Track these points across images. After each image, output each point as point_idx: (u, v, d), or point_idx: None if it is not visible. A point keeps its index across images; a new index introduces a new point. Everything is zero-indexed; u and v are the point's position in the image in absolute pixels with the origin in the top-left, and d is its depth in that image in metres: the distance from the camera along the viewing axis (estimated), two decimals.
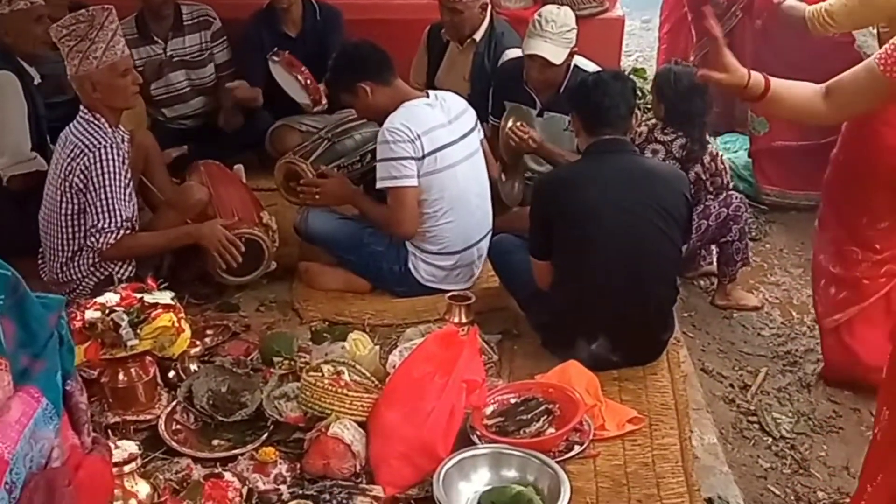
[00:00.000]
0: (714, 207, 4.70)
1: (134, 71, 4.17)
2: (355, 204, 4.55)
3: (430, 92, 4.47)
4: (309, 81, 5.29)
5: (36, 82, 4.83)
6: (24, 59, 4.79)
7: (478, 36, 5.30)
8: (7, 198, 4.60)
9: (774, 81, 2.70)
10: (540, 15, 4.73)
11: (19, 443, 1.42)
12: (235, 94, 5.66)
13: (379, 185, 4.26)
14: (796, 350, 4.61)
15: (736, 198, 4.78)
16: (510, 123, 4.79)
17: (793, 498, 3.70)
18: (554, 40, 4.66)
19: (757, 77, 2.68)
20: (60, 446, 1.53)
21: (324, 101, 5.32)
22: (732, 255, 4.79)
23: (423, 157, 4.20)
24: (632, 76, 6.38)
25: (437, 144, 4.23)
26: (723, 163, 4.81)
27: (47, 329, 1.55)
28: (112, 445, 2.82)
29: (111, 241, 4.01)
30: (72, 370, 1.65)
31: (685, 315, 4.74)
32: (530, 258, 3.91)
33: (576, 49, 4.77)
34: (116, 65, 4.02)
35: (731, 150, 6.22)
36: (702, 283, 5.01)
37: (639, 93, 5.31)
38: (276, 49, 5.45)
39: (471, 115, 4.49)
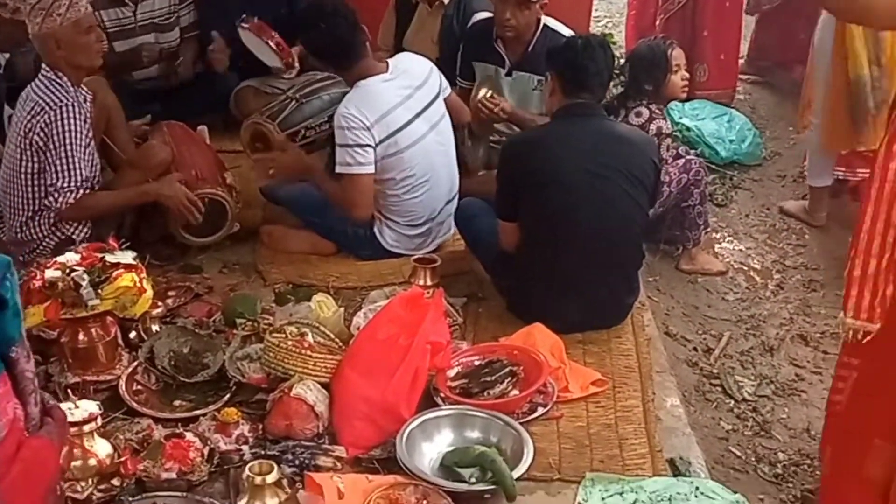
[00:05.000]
0: (675, 174, 4.69)
1: (98, 29, 4.15)
2: (312, 179, 4.46)
3: (391, 63, 4.31)
4: (280, 46, 5.23)
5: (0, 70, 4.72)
6: None
7: None
8: None
9: None
10: None
11: None
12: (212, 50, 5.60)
13: (337, 170, 4.19)
14: (759, 314, 4.65)
15: (696, 163, 4.81)
16: (481, 94, 4.74)
17: (753, 459, 3.75)
18: None
19: None
20: None
21: (296, 63, 5.27)
22: (695, 219, 4.81)
23: (380, 143, 4.13)
24: None
25: (395, 126, 4.15)
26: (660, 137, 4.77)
27: None
28: (70, 408, 2.79)
29: (70, 200, 3.98)
30: (17, 336, 1.51)
31: (650, 279, 4.75)
32: (496, 221, 3.89)
33: (545, 1, 4.68)
34: (80, 21, 4.00)
35: (697, 116, 6.21)
36: (666, 247, 5.02)
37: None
38: (244, 15, 5.35)
39: (435, 79, 4.39)
